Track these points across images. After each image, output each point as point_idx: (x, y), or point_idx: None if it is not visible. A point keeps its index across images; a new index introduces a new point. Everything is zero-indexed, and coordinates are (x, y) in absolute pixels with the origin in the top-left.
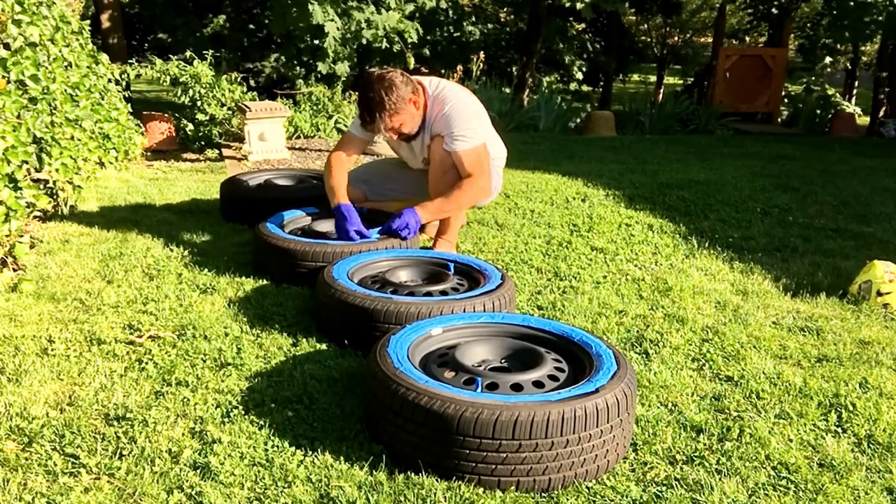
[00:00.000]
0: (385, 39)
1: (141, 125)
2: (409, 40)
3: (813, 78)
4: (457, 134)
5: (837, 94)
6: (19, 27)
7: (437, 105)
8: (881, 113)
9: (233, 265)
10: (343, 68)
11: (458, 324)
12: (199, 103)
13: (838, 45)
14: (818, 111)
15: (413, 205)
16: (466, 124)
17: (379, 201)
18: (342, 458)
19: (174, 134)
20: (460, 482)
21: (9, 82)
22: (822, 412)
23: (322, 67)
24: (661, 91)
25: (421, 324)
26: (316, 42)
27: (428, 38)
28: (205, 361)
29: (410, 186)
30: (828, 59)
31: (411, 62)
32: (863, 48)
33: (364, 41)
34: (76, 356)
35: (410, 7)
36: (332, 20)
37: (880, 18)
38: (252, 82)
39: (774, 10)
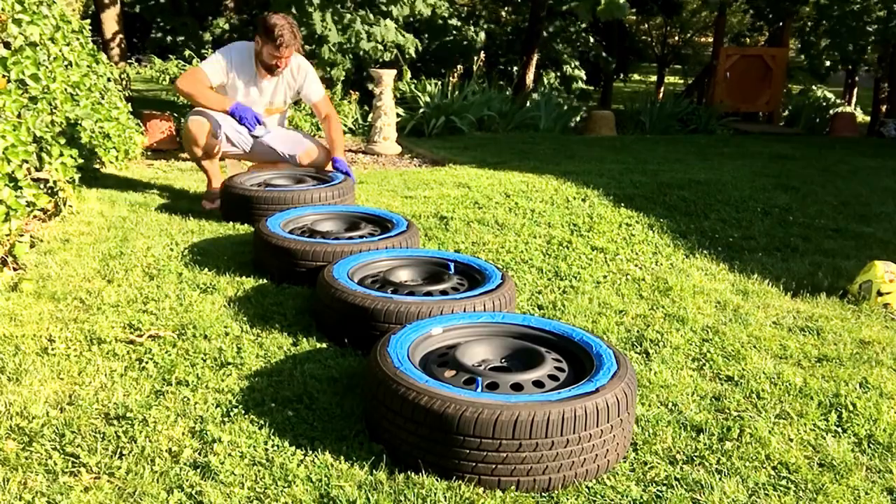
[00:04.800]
0: (385, 51)
1: (141, 124)
2: (409, 55)
3: (813, 87)
4: (314, 85)
5: (832, 97)
6: (20, 26)
7: (295, 58)
8: (881, 113)
9: (233, 265)
10: (339, 73)
11: (458, 323)
12: None
13: (837, 55)
14: (818, 111)
15: (333, 155)
16: (313, 74)
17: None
18: (342, 458)
19: (174, 133)
20: (460, 482)
21: (9, 81)
22: (823, 412)
23: (319, 73)
24: (662, 91)
25: (421, 323)
26: (313, 47)
27: (431, 36)
28: (205, 361)
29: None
30: (827, 63)
31: (407, 75)
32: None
33: (361, 52)
34: (76, 355)
35: (406, 10)
36: (330, 29)
37: (873, 27)
38: None
39: (771, 14)
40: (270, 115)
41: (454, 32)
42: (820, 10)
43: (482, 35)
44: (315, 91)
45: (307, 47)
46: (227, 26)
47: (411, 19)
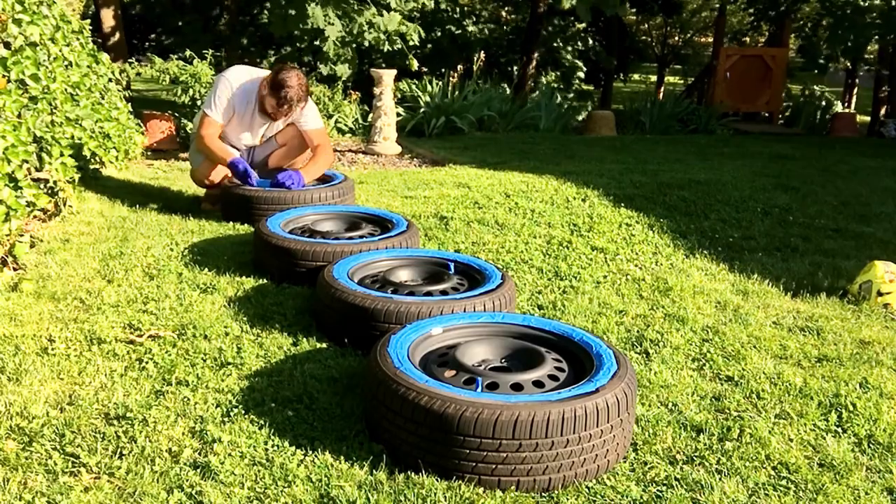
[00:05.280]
0: (387, 41)
1: (141, 124)
2: (411, 42)
3: (814, 87)
4: (311, 116)
5: (833, 98)
6: (20, 26)
7: None
8: (882, 113)
9: (233, 265)
10: (343, 69)
11: (458, 323)
12: (199, 102)
13: (837, 52)
14: (818, 111)
15: (294, 167)
16: (314, 109)
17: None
18: (342, 458)
19: (174, 133)
20: (460, 482)
21: (9, 81)
22: (823, 412)
23: (323, 69)
24: (662, 91)
25: (421, 323)
26: (316, 43)
27: (431, 35)
28: (205, 361)
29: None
30: (830, 66)
31: (414, 64)
32: None
33: (366, 44)
34: (76, 355)
35: (411, 4)
36: (332, 23)
37: (878, 21)
38: None
39: (772, 13)
40: (265, 141)
41: (453, 29)
42: (823, 6)
43: (482, 33)
44: (310, 121)
45: (313, 43)
46: (227, 26)
47: (413, 10)
